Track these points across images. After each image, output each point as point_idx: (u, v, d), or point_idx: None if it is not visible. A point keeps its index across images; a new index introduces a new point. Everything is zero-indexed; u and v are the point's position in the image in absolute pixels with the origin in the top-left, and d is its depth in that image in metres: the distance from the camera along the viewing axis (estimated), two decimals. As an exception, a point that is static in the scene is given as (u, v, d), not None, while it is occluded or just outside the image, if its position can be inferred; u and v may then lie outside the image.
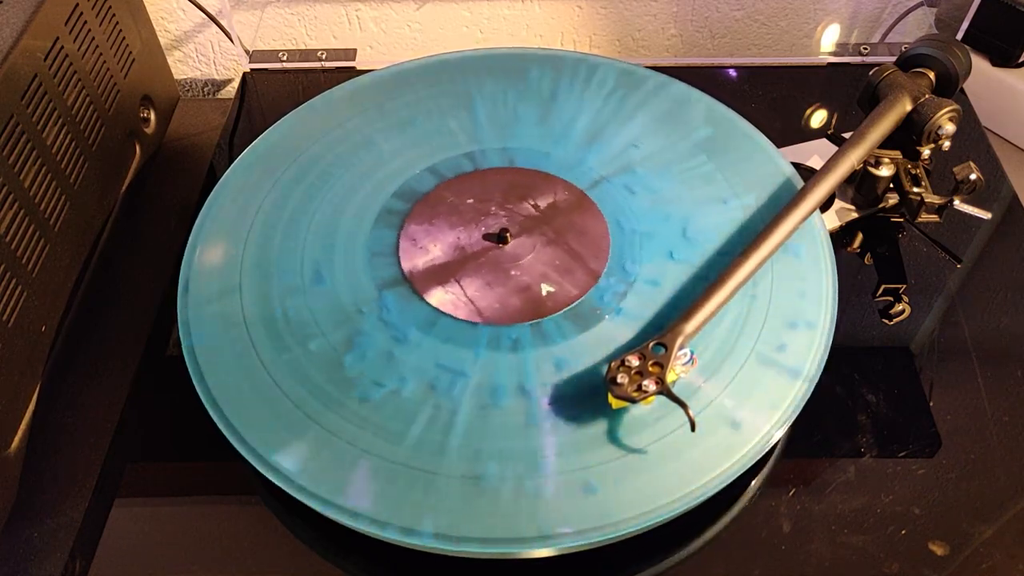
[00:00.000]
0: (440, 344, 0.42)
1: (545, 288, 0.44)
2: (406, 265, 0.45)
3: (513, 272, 0.45)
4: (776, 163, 0.49)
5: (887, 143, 0.49)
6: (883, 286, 0.49)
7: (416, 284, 0.44)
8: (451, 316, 0.43)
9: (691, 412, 0.37)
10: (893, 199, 0.51)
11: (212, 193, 0.49)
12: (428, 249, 0.46)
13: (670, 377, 0.38)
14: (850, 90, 0.62)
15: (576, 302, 0.43)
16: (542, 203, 0.48)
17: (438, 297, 0.44)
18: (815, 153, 0.54)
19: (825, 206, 0.51)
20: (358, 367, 0.41)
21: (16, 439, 0.42)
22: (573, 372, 0.41)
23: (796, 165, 0.51)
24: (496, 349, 0.42)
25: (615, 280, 0.44)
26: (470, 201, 0.48)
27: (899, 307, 0.48)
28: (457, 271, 0.45)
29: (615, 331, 0.42)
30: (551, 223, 0.47)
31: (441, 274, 0.44)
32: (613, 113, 0.52)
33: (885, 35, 0.72)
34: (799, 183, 0.48)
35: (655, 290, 0.44)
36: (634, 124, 0.52)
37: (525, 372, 0.41)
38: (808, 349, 0.41)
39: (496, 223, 0.47)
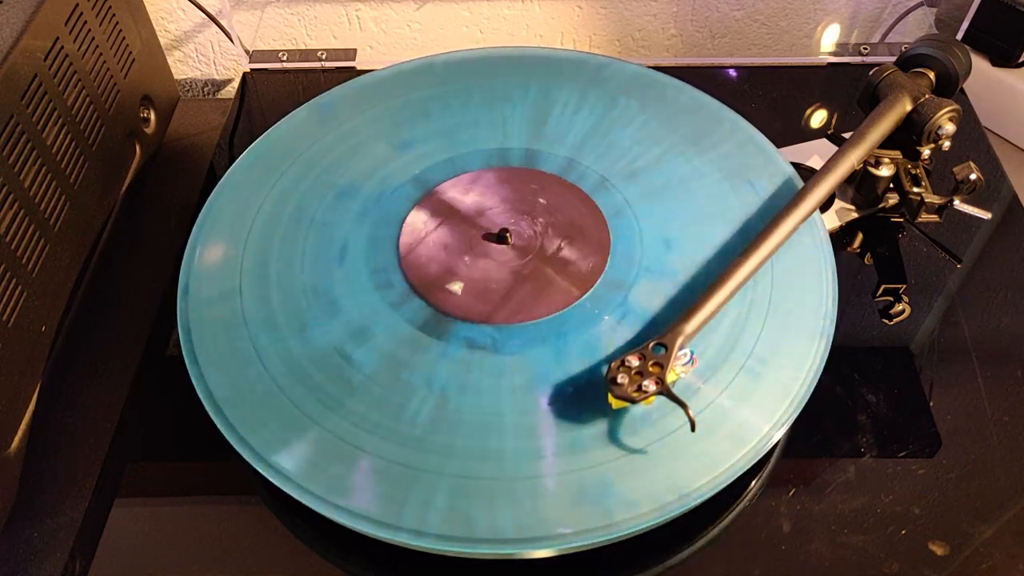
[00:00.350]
0: (439, 344, 0.42)
1: (559, 279, 0.44)
2: (412, 276, 0.45)
3: (521, 270, 0.45)
4: (776, 163, 0.49)
5: (887, 143, 0.49)
6: (883, 286, 0.49)
7: (422, 290, 0.44)
8: (456, 317, 0.43)
9: (691, 412, 0.37)
10: (893, 199, 0.51)
11: (212, 193, 0.49)
12: (432, 256, 0.45)
13: (670, 377, 0.38)
14: (850, 90, 0.62)
15: (597, 284, 0.44)
16: (543, 201, 0.48)
17: (444, 299, 0.44)
18: (815, 153, 0.54)
19: (825, 206, 0.51)
20: (358, 368, 0.41)
21: (16, 439, 0.42)
22: (573, 372, 0.41)
23: (796, 165, 0.51)
24: (496, 349, 0.42)
25: (624, 251, 0.45)
26: (469, 203, 0.48)
27: (899, 307, 0.48)
28: (462, 272, 0.45)
29: (615, 331, 0.42)
30: (551, 222, 0.47)
31: (446, 277, 0.44)
32: (609, 113, 0.52)
33: (885, 35, 0.72)
34: (799, 183, 0.48)
35: (655, 286, 0.44)
36: (633, 124, 0.52)
37: (525, 372, 0.41)
38: (808, 349, 0.41)
39: (495, 224, 0.47)
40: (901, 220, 0.52)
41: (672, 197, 0.48)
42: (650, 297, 0.43)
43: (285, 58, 0.65)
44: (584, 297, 0.43)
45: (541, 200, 0.48)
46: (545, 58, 0.56)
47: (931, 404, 0.44)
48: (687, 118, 0.52)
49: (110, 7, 0.53)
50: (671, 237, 0.46)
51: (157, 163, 0.59)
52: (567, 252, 0.45)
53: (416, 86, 0.54)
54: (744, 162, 0.49)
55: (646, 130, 0.51)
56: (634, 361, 0.38)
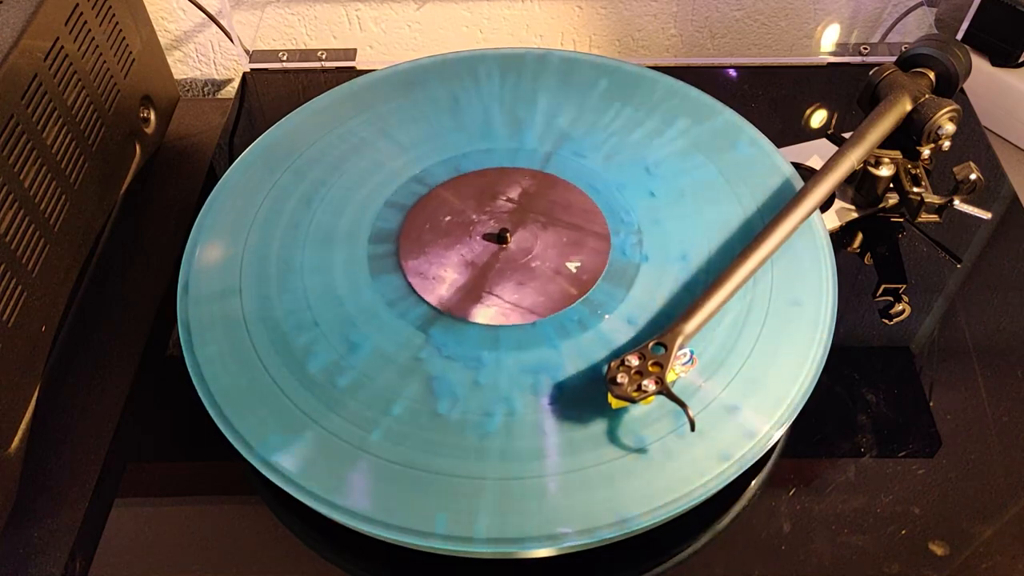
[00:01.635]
0: (440, 345, 0.42)
1: (572, 265, 0.44)
2: (410, 275, 0.45)
3: (521, 271, 0.45)
4: (776, 163, 0.49)
5: (887, 143, 0.49)
6: (883, 286, 0.49)
7: (420, 289, 0.44)
8: (456, 317, 0.43)
9: (691, 412, 0.37)
10: (893, 199, 0.51)
11: (212, 193, 0.49)
12: (432, 255, 0.45)
13: (670, 377, 0.38)
14: (850, 90, 0.62)
15: (607, 265, 0.44)
16: (513, 194, 0.48)
17: (443, 299, 0.44)
18: (815, 153, 0.54)
19: (825, 206, 0.51)
20: (358, 367, 0.41)
21: (16, 439, 0.42)
22: (574, 372, 0.41)
23: (796, 165, 0.51)
24: (496, 349, 0.42)
25: (624, 232, 0.46)
26: (448, 217, 0.47)
27: (899, 307, 0.48)
28: (485, 284, 0.44)
29: (615, 331, 0.42)
30: (535, 209, 0.47)
31: (446, 276, 0.44)
32: (609, 114, 0.52)
33: (885, 35, 0.72)
34: (799, 183, 0.48)
35: (655, 285, 0.44)
36: (634, 125, 0.52)
37: (526, 372, 0.41)
38: (808, 349, 0.41)
39: (486, 226, 0.47)
40: (901, 220, 0.52)
41: (672, 197, 0.48)
42: (650, 297, 0.43)
43: (285, 58, 0.65)
44: (584, 297, 0.43)
45: (541, 200, 0.48)
46: (545, 57, 0.56)
47: (931, 404, 0.44)
48: (687, 118, 0.52)
49: (110, 7, 0.53)
50: (671, 237, 0.46)
51: (157, 163, 0.59)
52: (567, 252, 0.45)
53: (416, 86, 0.54)
54: (744, 162, 0.49)
55: (646, 130, 0.51)
56: (634, 361, 0.38)
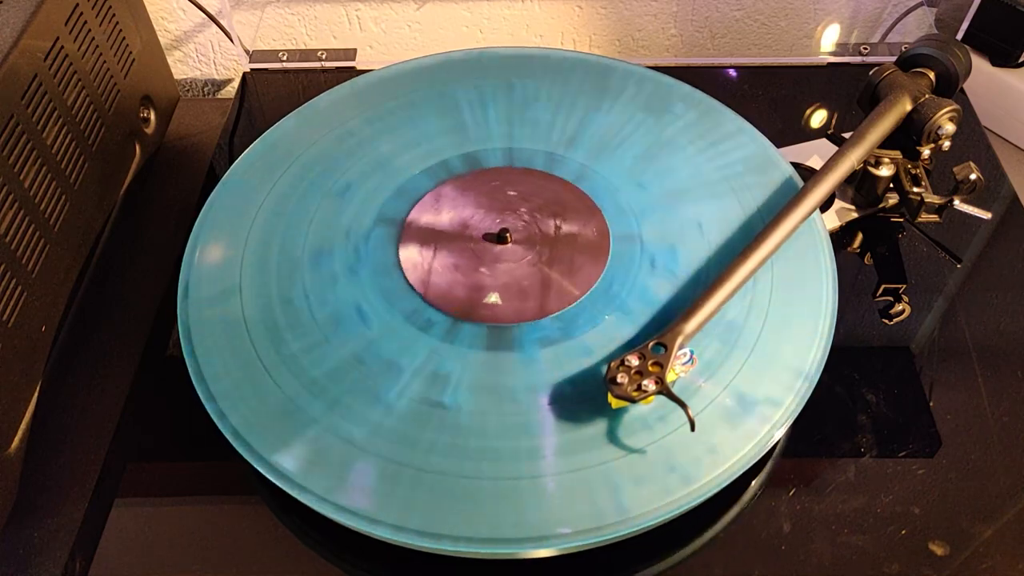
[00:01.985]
0: (441, 344, 0.42)
1: (573, 262, 0.45)
2: (409, 273, 0.45)
3: (521, 271, 0.45)
4: (776, 163, 0.49)
5: (887, 143, 0.49)
6: (883, 286, 0.49)
7: (420, 289, 0.44)
8: (456, 317, 0.43)
9: (691, 412, 0.37)
10: (893, 199, 0.51)
11: (212, 193, 0.49)
12: (444, 278, 0.45)
13: (670, 377, 0.38)
14: (850, 90, 0.62)
15: (608, 262, 0.45)
16: (511, 194, 0.48)
17: (443, 299, 0.44)
18: (815, 153, 0.54)
19: (825, 206, 0.51)
20: (358, 367, 0.41)
21: (16, 439, 0.42)
22: (573, 372, 0.41)
23: (796, 165, 0.51)
24: (496, 349, 0.42)
25: (624, 228, 0.46)
26: (447, 219, 0.47)
27: (899, 307, 0.48)
28: (488, 285, 0.44)
29: (615, 331, 0.42)
30: (534, 208, 0.47)
31: (468, 286, 0.44)
32: (609, 114, 0.52)
33: (885, 35, 0.72)
34: (799, 183, 0.48)
35: (655, 286, 0.44)
36: (633, 125, 0.52)
37: (526, 371, 0.41)
38: (808, 349, 0.41)
39: (486, 227, 0.47)
40: (901, 220, 0.52)
41: (672, 197, 0.48)
42: (650, 297, 0.43)
43: (285, 58, 0.65)
44: (584, 297, 0.43)
45: (541, 200, 0.48)
46: (545, 58, 0.56)
47: (931, 404, 0.44)
48: (686, 118, 0.52)
49: (110, 7, 0.53)
50: (671, 237, 0.46)
51: (157, 163, 0.59)
52: (567, 252, 0.45)
53: (416, 86, 0.54)
54: (744, 162, 0.49)
55: (646, 131, 0.51)
56: (634, 361, 0.38)
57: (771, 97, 0.61)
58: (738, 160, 0.49)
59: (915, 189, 0.49)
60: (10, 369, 0.42)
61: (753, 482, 0.41)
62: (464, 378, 0.41)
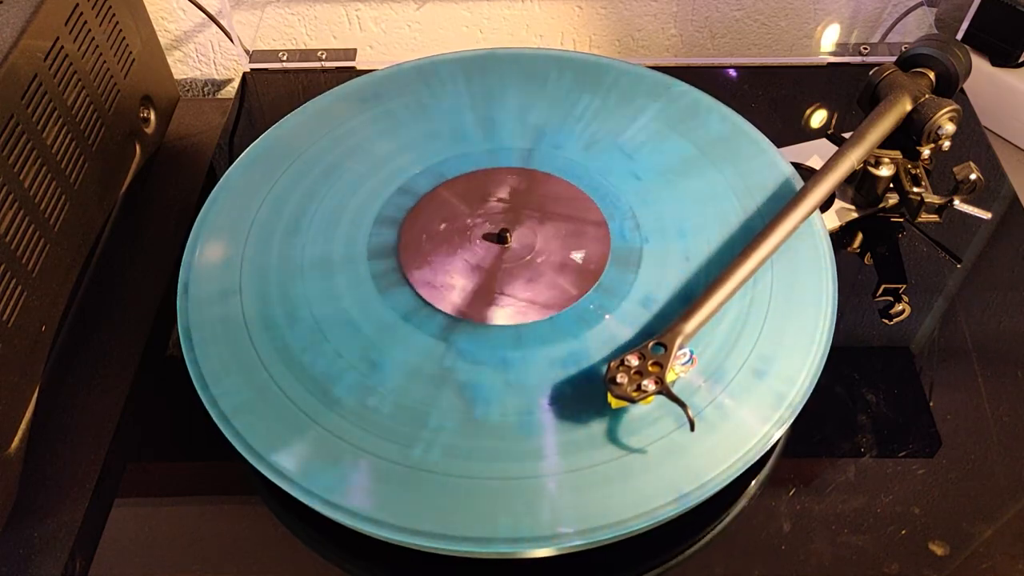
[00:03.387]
0: (440, 344, 0.42)
1: (575, 256, 0.45)
2: (409, 272, 0.45)
3: (521, 271, 0.45)
4: (776, 163, 0.49)
5: (887, 143, 0.49)
6: (883, 286, 0.49)
7: (421, 289, 0.44)
8: (456, 317, 0.43)
9: (690, 412, 0.37)
10: (893, 199, 0.51)
11: (212, 193, 0.49)
12: (450, 284, 0.45)
13: (669, 377, 0.38)
14: (850, 90, 0.62)
15: (611, 251, 0.45)
16: (503, 194, 0.48)
17: (443, 300, 0.44)
18: (815, 153, 0.54)
19: (825, 206, 0.51)
20: (358, 367, 0.41)
21: (16, 439, 0.42)
22: (573, 372, 0.41)
23: (796, 165, 0.51)
24: (496, 349, 0.42)
25: (619, 217, 0.46)
26: (443, 224, 0.47)
27: (899, 307, 0.48)
28: (495, 285, 0.44)
29: (615, 330, 0.42)
30: (528, 205, 0.47)
31: (468, 286, 0.44)
32: (609, 114, 0.52)
33: (885, 35, 0.72)
34: (799, 183, 0.48)
35: (655, 285, 0.44)
36: (633, 125, 0.52)
37: (526, 371, 0.41)
38: (808, 349, 0.41)
39: (484, 228, 0.47)
40: (901, 220, 0.52)
41: (672, 197, 0.48)
42: (650, 297, 0.43)
43: (285, 58, 0.65)
44: (584, 297, 0.43)
45: (542, 200, 0.48)
46: (545, 58, 0.56)
47: (931, 404, 0.44)
48: (686, 118, 0.52)
49: (110, 7, 0.53)
50: (671, 237, 0.46)
51: (157, 163, 0.59)
52: (567, 252, 0.45)
53: (416, 86, 0.54)
54: (744, 162, 0.49)
55: (645, 130, 0.51)
56: (633, 361, 0.38)
57: (771, 97, 0.61)
58: (737, 160, 0.49)
59: (915, 189, 0.49)
60: (10, 369, 0.42)
61: (753, 482, 0.41)
62: (464, 378, 0.41)
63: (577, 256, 0.45)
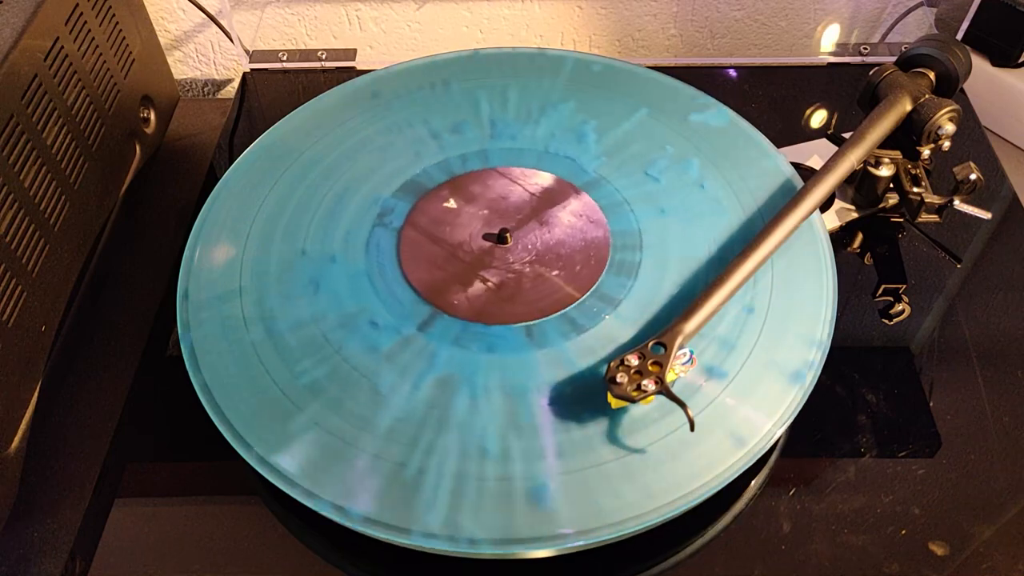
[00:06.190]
0: (440, 344, 0.42)
1: (577, 255, 0.45)
2: (414, 279, 0.45)
3: (521, 271, 0.45)
4: (776, 163, 0.49)
5: (887, 143, 0.49)
6: (883, 286, 0.49)
7: (426, 293, 0.44)
8: (458, 318, 0.43)
9: (690, 412, 0.37)
10: (893, 199, 0.51)
11: (212, 193, 0.49)
12: (432, 258, 0.45)
13: (669, 377, 0.38)
14: (850, 90, 0.62)
15: (610, 251, 0.45)
16: (501, 194, 0.48)
17: (446, 301, 0.43)
18: (815, 153, 0.54)
19: (825, 206, 0.51)
20: (358, 367, 0.41)
21: (16, 439, 0.42)
22: (573, 372, 0.41)
23: (796, 165, 0.51)
24: (497, 350, 0.42)
25: (620, 218, 0.47)
26: (445, 227, 0.47)
27: (899, 307, 0.48)
28: (478, 278, 0.44)
29: (615, 330, 0.42)
30: (527, 206, 0.47)
31: (468, 287, 0.44)
32: (608, 114, 0.52)
33: (885, 35, 0.72)
34: (799, 183, 0.48)
35: (655, 285, 0.44)
36: (632, 125, 0.52)
37: (526, 371, 0.41)
38: (808, 349, 0.41)
39: (484, 229, 0.47)
40: (901, 220, 0.52)
41: (672, 197, 0.48)
42: (650, 296, 0.43)
43: (285, 58, 0.65)
44: (584, 297, 0.43)
45: (542, 200, 0.48)
46: (546, 58, 0.56)
47: (931, 404, 0.44)
48: (686, 118, 0.52)
49: (110, 7, 0.53)
50: (670, 236, 0.46)
51: (157, 163, 0.59)
52: (567, 252, 0.45)
53: (415, 86, 0.54)
54: (744, 162, 0.49)
55: (645, 130, 0.51)
56: (633, 360, 0.38)
57: (771, 97, 0.61)
58: (737, 160, 0.49)
59: (915, 189, 0.49)
60: (10, 369, 0.42)
61: (753, 482, 0.41)
62: (464, 378, 0.41)
63: (578, 256, 0.45)
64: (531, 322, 0.43)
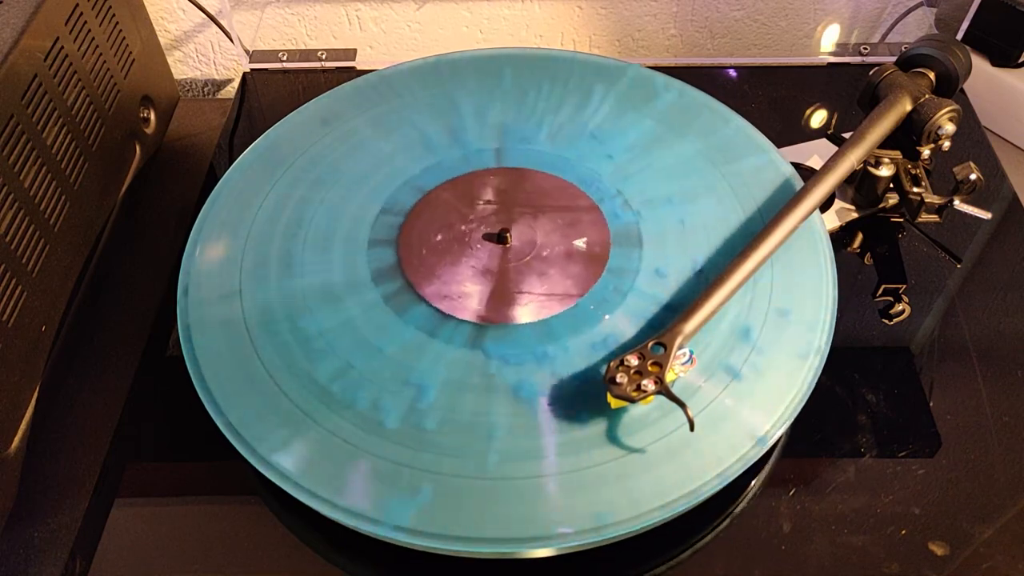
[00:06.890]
0: (439, 344, 0.42)
1: (578, 243, 0.45)
2: (413, 277, 0.45)
3: (521, 270, 0.45)
4: (776, 163, 0.49)
5: (887, 143, 0.49)
6: (883, 286, 0.49)
7: (424, 293, 0.44)
8: (458, 318, 0.43)
9: (690, 412, 0.37)
10: (893, 199, 0.51)
11: (212, 193, 0.49)
12: (465, 293, 0.44)
13: (669, 377, 0.38)
14: (850, 90, 0.62)
15: (610, 232, 0.46)
16: (489, 195, 0.48)
17: (446, 301, 0.44)
18: (815, 153, 0.54)
19: (825, 206, 0.51)
20: (358, 367, 0.41)
21: (16, 439, 0.42)
22: (573, 372, 0.41)
23: (796, 165, 0.51)
24: (497, 349, 0.42)
25: (607, 197, 0.47)
26: (439, 236, 0.47)
27: (899, 307, 0.48)
28: (510, 285, 0.44)
29: (615, 331, 0.42)
30: (516, 202, 0.48)
31: (468, 287, 0.44)
32: (608, 113, 0.52)
33: (885, 35, 0.72)
34: (799, 183, 0.48)
35: (655, 285, 0.44)
36: (632, 125, 0.52)
37: (526, 372, 0.41)
38: (808, 349, 0.41)
39: (481, 232, 0.47)
40: (901, 220, 0.52)
41: (671, 197, 0.48)
42: (649, 296, 0.43)
43: (285, 58, 0.65)
44: (583, 297, 0.43)
45: (541, 200, 0.48)
46: (546, 58, 0.56)
47: (931, 404, 0.44)
48: (686, 118, 0.52)
49: (110, 7, 0.53)
50: (671, 236, 0.46)
51: (157, 163, 0.59)
52: (567, 232, 0.45)
53: (416, 86, 0.54)
54: (743, 162, 0.49)
55: (645, 131, 0.51)
56: (633, 360, 0.38)
57: (771, 97, 0.61)
58: (737, 159, 0.49)
59: (915, 189, 0.49)
60: (10, 369, 0.42)
61: (753, 482, 0.41)
62: (464, 378, 0.41)
63: (580, 243, 0.45)
64: (531, 322, 0.43)
